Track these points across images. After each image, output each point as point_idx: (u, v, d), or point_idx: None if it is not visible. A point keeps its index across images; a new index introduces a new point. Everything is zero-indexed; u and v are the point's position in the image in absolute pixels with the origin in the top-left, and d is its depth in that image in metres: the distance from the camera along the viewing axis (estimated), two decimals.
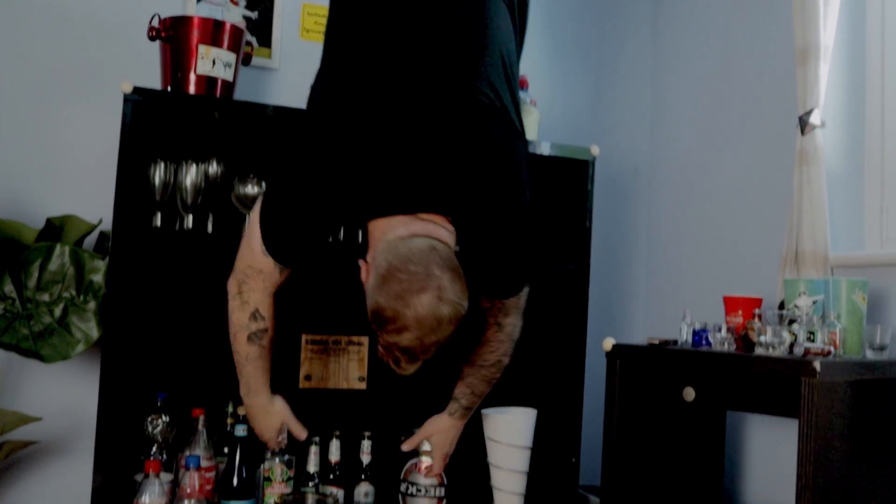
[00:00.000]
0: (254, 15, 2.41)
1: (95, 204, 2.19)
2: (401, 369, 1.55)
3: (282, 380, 2.29)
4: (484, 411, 2.19)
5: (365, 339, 2.39)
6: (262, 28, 2.41)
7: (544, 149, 2.25)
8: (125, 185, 1.88)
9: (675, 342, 1.88)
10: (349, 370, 2.38)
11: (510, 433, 2.14)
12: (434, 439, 2.06)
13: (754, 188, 2.32)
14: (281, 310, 2.32)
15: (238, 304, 1.71)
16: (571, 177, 2.27)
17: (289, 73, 2.43)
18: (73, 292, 1.93)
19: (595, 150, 2.18)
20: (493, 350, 1.95)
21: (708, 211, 2.48)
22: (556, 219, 2.32)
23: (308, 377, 2.35)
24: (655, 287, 2.69)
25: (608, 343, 1.83)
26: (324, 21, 2.42)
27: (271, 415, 1.89)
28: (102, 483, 1.84)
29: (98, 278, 1.93)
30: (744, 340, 1.77)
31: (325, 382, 2.36)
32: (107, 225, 2.15)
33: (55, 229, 2.02)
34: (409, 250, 1.48)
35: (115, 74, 2.25)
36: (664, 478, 1.92)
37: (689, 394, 1.84)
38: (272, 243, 1.64)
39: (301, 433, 1.91)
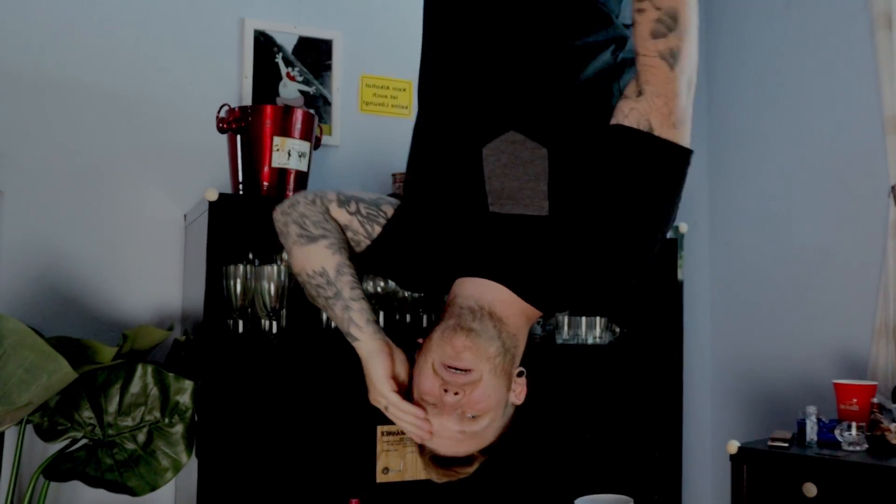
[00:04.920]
0: (311, 90, 2.27)
1: (156, 307, 2.06)
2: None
3: (358, 475, 2.19)
4: (577, 501, 2.11)
5: None
6: (320, 103, 2.28)
7: None
8: (212, 294, 1.75)
9: (792, 438, 1.83)
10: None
11: None
12: None
13: (835, 256, 2.28)
14: (353, 403, 2.22)
15: None
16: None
17: (349, 150, 2.31)
18: (158, 415, 1.79)
19: (684, 228, 2.11)
20: None
21: (780, 278, 2.43)
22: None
23: (385, 470, 2.24)
24: (721, 352, 2.64)
25: (733, 446, 1.76)
26: (382, 92, 2.34)
27: None
28: None
29: (184, 399, 1.79)
30: (872, 441, 1.72)
31: (403, 474, 2.25)
32: (176, 330, 2.01)
33: (127, 342, 1.87)
34: None
35: (169, 171, 2.14)
36: None
37: (811, 490, 1.79)
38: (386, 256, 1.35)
39: None
